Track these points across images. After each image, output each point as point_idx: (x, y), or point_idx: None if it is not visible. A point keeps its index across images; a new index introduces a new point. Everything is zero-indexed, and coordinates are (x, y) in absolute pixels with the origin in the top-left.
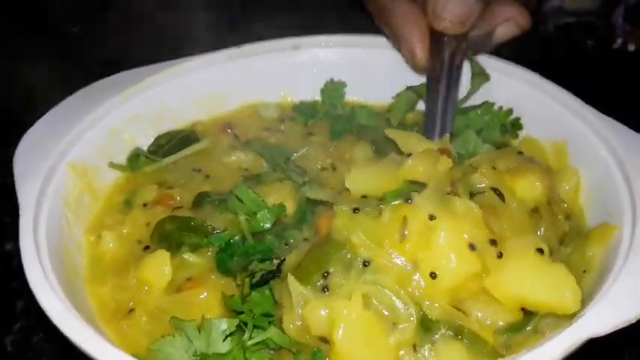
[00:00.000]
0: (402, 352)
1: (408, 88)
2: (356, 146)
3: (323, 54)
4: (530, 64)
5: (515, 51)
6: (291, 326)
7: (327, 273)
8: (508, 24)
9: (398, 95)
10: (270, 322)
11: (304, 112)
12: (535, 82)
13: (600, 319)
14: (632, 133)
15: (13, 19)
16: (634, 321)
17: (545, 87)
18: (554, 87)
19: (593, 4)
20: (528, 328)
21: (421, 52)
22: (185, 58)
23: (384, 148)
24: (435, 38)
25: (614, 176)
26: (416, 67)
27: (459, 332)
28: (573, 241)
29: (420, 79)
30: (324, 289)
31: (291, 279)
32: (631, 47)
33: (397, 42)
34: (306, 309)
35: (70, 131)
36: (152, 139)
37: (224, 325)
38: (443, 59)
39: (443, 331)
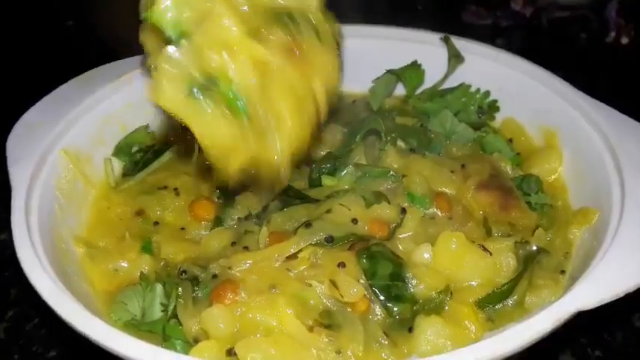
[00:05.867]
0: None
1: (388, 71)
2: (326, 129)
3: None
4: (523, 57)
5: (509, 44)
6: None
7: None
8: None
9: (377, 79)
10: None
11: None
12: (520, 65)
13: (588, 293)
14: (621, 115)
15: (9, 13)
16: (622, 295)
17: (531, 71)
18: (542, 71)
19: None
20: (510, 300)
21: None
22: None
23: (357, 130)
24: None
25: (603, 160)
26: None
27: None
28: (554, 227)
29: (399, 63)
30: None
31: None
32: (624, 40)
33: None
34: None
35: (64, 117)
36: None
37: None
38: None
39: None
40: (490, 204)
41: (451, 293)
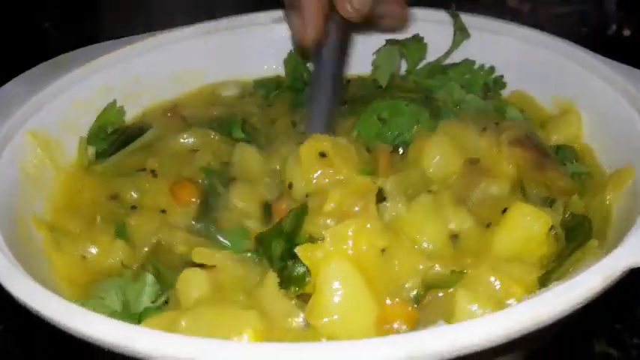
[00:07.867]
0: None
1: (388, 41)
2: None
3: None
4: None
5: None
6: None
7: None
8: (392, 19)
9: (378, 52)
10: None
11: (265, 86)
12: (524, 35)
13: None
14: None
15: None
16: None
17: (537, 39)
18: (550, 38)
19: None
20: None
21: (314, 28)
22: (161, 32)
23: (354, 109)
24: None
25: (632, 120)
26: (302, 41)
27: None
28: (589, 194)
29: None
30: None
31: None
32: (626, 32)
33: (292, 9)
34: None
35: (32, 98)
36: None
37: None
38: (331, 40)
39: None
40: (525, 160)
41: None
